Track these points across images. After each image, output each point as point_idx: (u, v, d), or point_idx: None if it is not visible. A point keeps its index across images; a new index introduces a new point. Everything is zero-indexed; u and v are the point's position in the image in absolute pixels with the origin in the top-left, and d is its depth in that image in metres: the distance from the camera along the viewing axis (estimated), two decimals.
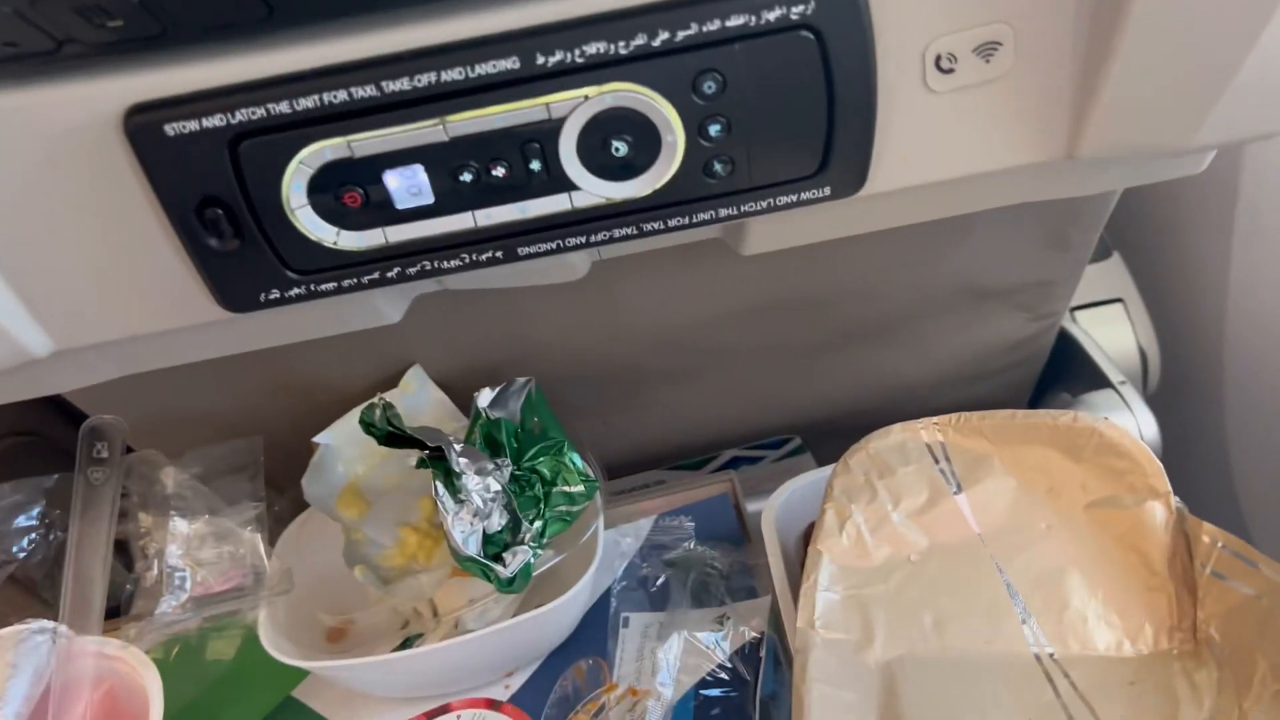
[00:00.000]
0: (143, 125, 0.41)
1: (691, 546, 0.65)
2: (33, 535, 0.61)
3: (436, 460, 0.54)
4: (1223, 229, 0.83)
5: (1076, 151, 0.47)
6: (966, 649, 0.50)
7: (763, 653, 0.57)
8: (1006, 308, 0.72)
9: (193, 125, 0.41)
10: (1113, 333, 0.88)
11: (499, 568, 0.54)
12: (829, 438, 0.82)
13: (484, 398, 0.60)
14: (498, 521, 0.55)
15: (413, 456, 0.63)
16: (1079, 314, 0.84)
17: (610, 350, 0.68)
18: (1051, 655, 0.50)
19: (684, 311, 0.66)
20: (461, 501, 0.54)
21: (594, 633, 0.63)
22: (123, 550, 0.62)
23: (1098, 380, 0.78)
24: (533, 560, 0.56)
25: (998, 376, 0.80)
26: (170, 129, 0.41)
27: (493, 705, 0.56)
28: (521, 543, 0.55)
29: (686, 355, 0.70)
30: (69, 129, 0.41)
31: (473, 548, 0.53)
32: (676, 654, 0.57)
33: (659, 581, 0.64)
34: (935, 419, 0.58)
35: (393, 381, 0.66)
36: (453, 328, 0.64)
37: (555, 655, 0.62)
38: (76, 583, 0.62)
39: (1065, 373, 0.83)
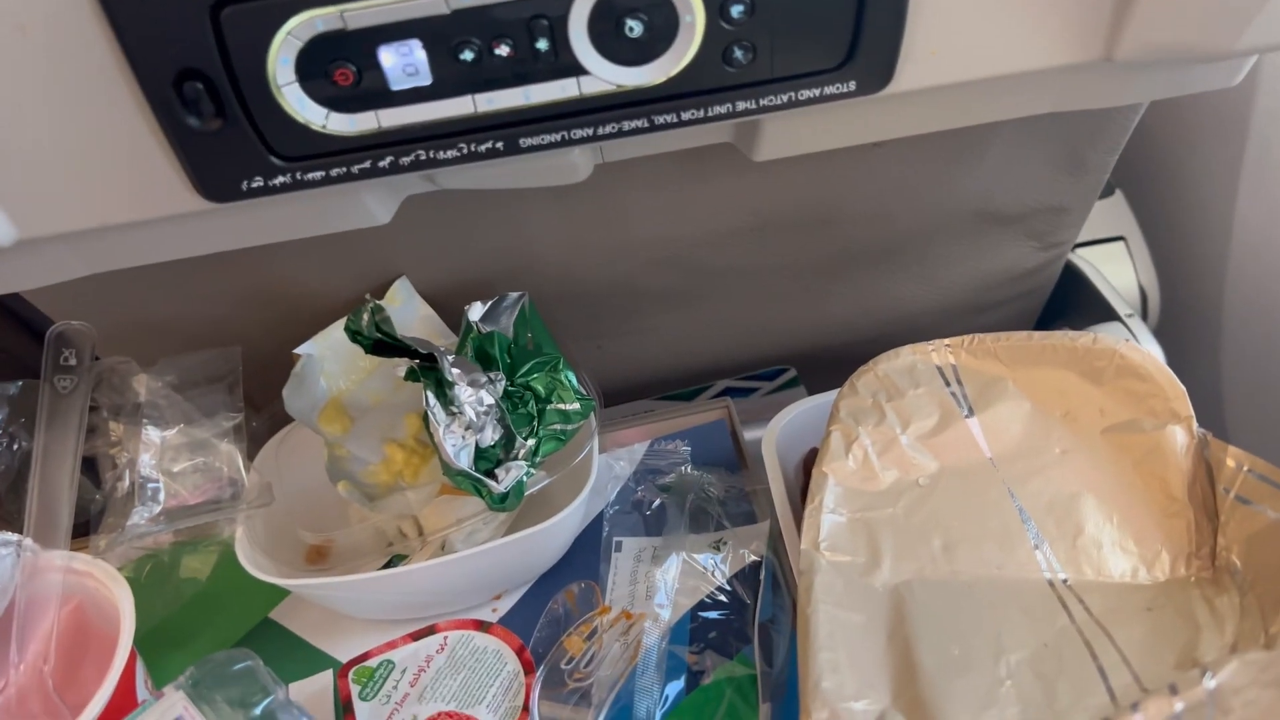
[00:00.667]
0: None
1: (687, 470, 0.63)
2: None
3: (427, 370, 0.52)
4: (1228, 166, 0.80)
5: (1114, 53, 0.45)
6: (977, 574, 0.49)
7: (762, 575, 0.55)
8: (1016, 235, 0.70)
9: None
10: (1114, 270, 0.86)
11: (492, 483, 0.51)
12: (824, 370, 0.79)
13: (475, 311, 0.57)
14: (490, 436, 0.52)
15: (400, 369, 0.61)
16: (1081, 251, 0.82)
17: (607, 268, 0.65)
18: (1065, 581, 0.48)
19: (685, 227, 0.63)
20: (454, 414, 0.51)
21: (585, 557, 0.61)
22: (91, 466, 0.59)
23: (1103, 313, 0.76)
24: (526, 479, 0.54)
25: (1001, 308, 0.78)
26: None
27: (481, 627, 0.54)
28: (515, 459, 0.52)
29: (685, 276, 0.67)
30: None
31: (465, 461, 0.51)
32: (675, 575, 0.55)
33: (653, 506, 0.62)
34: (947, 340, 0.55)
35: (378, 294, 0.63)
36: (443, 236, 0.60)
37: (545, 579, 0.60)
38: (42, 495, 0.59)
39: (1068, 307, 0.81)
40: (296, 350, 0.59)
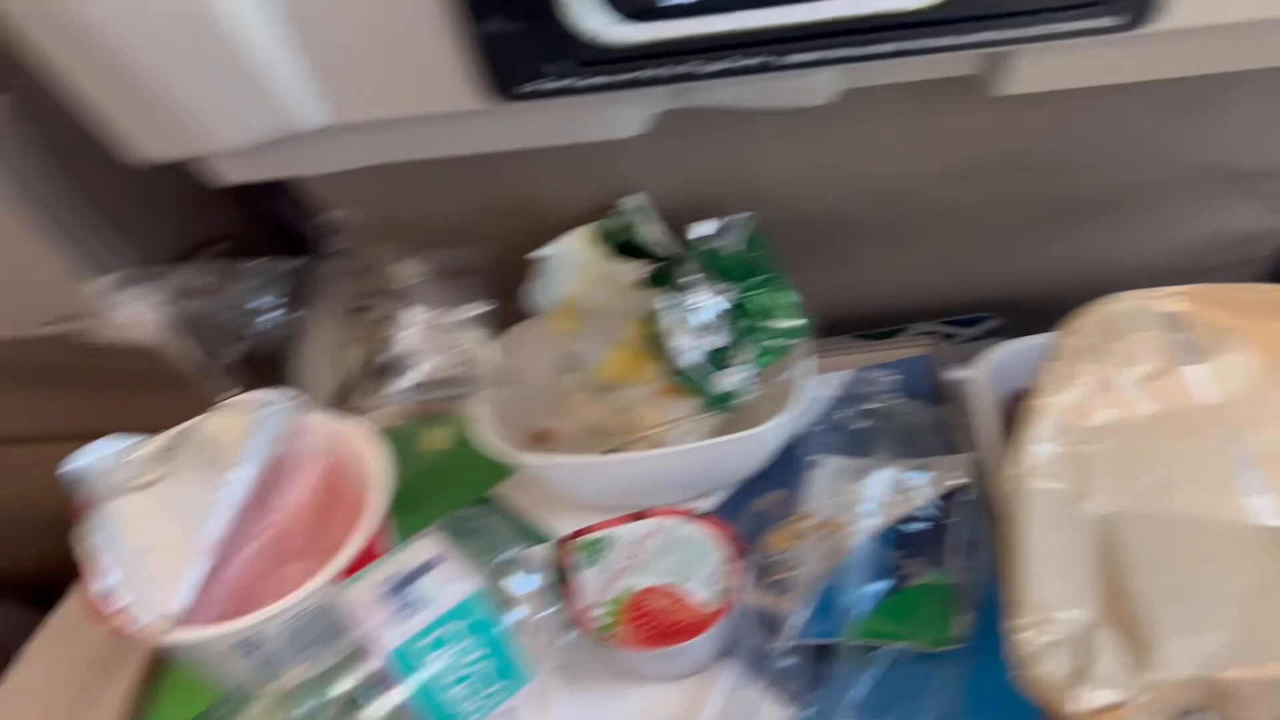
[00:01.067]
0: None
1: (891, 399, 0.65)
2: (269, 316, 0.65)
3: (664, 275, 0.55)
4: None
5: None
6: (1190, 513, 0.49)
7: (964, 499, 0.57)
8: (1250, 196, 0.68)
9: None
10: None
11: (715, 383, 0.55)
12: (1025, 319, 0.80)
13: (706, 227, 0.61)
14: (716, 341, 0.56)
15: (629, 277, 0.65)
16: None
17: (828, 200, 0.68)
18: None
19: (911, 163, 0.64)
20: (686, 317, 0.55)
21: (783, 472, 0.64)
22: (352, 341, 0.66)
23: None
24: (743, 384, 0.58)
25: (1218, 273, 0.76)
26: None
27: (691, 516, 0.58)
28: (736, 365, 0.56)
29: (903, 213, 0.69)
30: None
31: (692, 361, 0.54)
32: (884, 487, 0.57)
33: (856, 429, 0.65)
34: (1174, 288, 0.56)
35: (611, 207, 0.67)
36: (680, 157, 0.64)
37: (744, 488, 0.64)
38: (308, 363, 0.66)
39: None
40: (536, 253, 0.64)
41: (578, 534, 0.59)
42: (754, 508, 0.61)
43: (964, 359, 0.72)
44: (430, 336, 0.59)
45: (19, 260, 0.72)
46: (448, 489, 0.66)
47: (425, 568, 0.51)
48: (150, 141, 0.51)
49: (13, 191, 0.67)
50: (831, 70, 0.52)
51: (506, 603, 0.50)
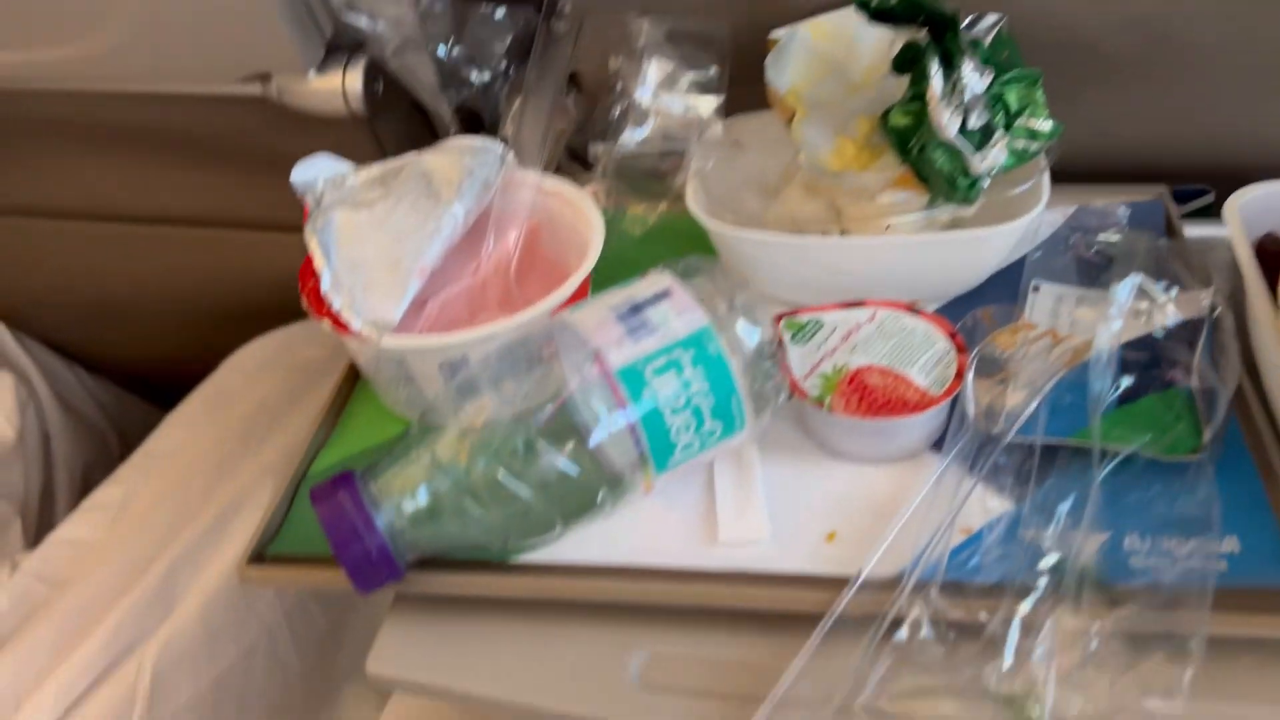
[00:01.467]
0: None
1: (1124, 232, 0.62)
2: (495, 67, 0.64)
3: (934, 41, 0.53)
4: None
5: None
6: None
7: (1210, 325, 0.54)
8: None
9: None
10: None
11: (973, 160, 0.52)
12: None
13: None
14: (975, 122, 0.53)
15: (855, 70, 0.62)
16: None
17: (1080, 15, 0.64)
18: None
19: None
20: (953, 85, 0.52)
21: (1005, 293, 0.61)
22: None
23: None
24: (989, 177, 0.55)
25: None
26: None
27: (911, 310, 0.56)
28: (994, 148, 0.53)
29: (1153, 45, 0.65)
30: None
31: (951, 134, 0.52)
32: (1122, 303, 0.54)
33: (1082, 259, 0.62)
34: None
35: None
36: None
37: (962, 301, 0.61)
38: (525, 121, 0.65)
39: None
40: (774, 33, 0.62)
41: (786, 313, 0.57)
42: (967, 320, 0.59)
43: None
44: (667, 91, 0.57)
45: (237, 4, 0.72)
46: (652, 260, 0.65)
47: (659, 297, 0.50)
48: None
49: None
50: None
51: (733, 344, 0.49)
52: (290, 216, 0.62)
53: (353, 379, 0.64)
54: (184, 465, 0.89)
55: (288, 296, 0.98)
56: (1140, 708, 0.38)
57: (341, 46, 0.77)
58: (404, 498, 0.48)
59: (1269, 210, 0.58)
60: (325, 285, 0.54)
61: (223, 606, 0.78)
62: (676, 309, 0.49)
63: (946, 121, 0.52)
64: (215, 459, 0.89)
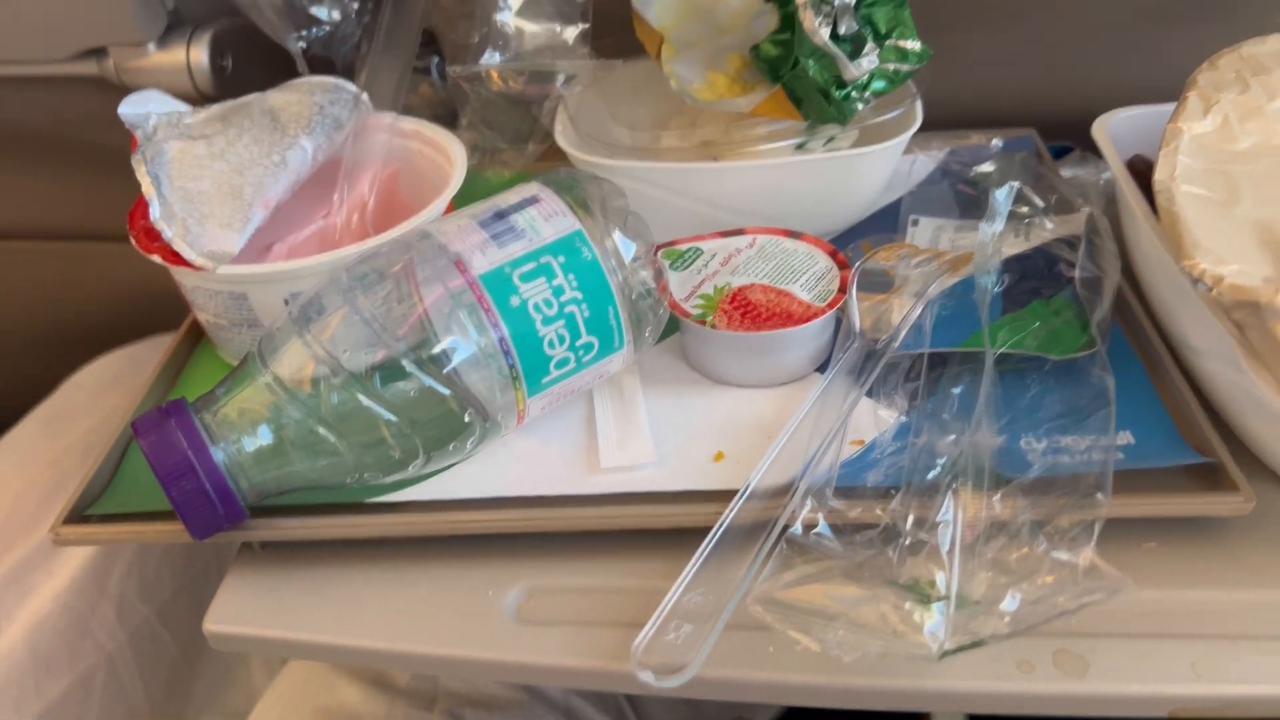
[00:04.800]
0: None
1: (1004, 156, 0.61)
2: (342, 8, 0.60)
3: None
4: None
5: None
6: None
7: (1089, 245, 0.53)
8: None
9: None
10: None
11: (848, 65, 0.51)
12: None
13: None
14: (845, 29, 0.52)
15: (722, 14, 0.61)
16: None
17: None
18: None
19: None
20: None
21: (884, 228, 0.60)
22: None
23: None
24: (858, 99, 0.54)
25: None
26: None
27: (791, 235, 0.54)
28: (865, 58, 0.52)
29: None
30: None
31: (824, 38, 0.51)
32: (1005, 198, 0.53)
33: (959, 193, 0.61)
34: None
35: None
36: None
37: (839, 240, 0.60)
38: (379, 65, 0.62)
39: None
40: None
41: (661, 246, 0.55)
42: (855, 247, 0.57)
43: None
44: (523, 19, 0.54)
45: None
46: None
47: (526, 203, 0.46)
48: None
49: None
50: None
51: (609, 254, 0.46)
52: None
53: (194, 339, 0.58)
54: (16, 488, 0.80)
55: (141, 313, 0.91)
56: (1049, 560, 0.35)
57: (185, 20, 0.72)
58: (245, 429, 0.43)
59: (1134, 132, 0.58)
60: (155, 214, 0.49)
61: (52, 632, 0.69)
62: (545, 214, 0.46)
63: (817, 26, 0.51)
64: (51, 479, 0.81)
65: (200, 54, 0.71)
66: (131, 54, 0.73)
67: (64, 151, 0.87)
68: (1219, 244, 0.43)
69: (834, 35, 0.52)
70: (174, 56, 0.72)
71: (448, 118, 0.66)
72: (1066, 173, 0.67)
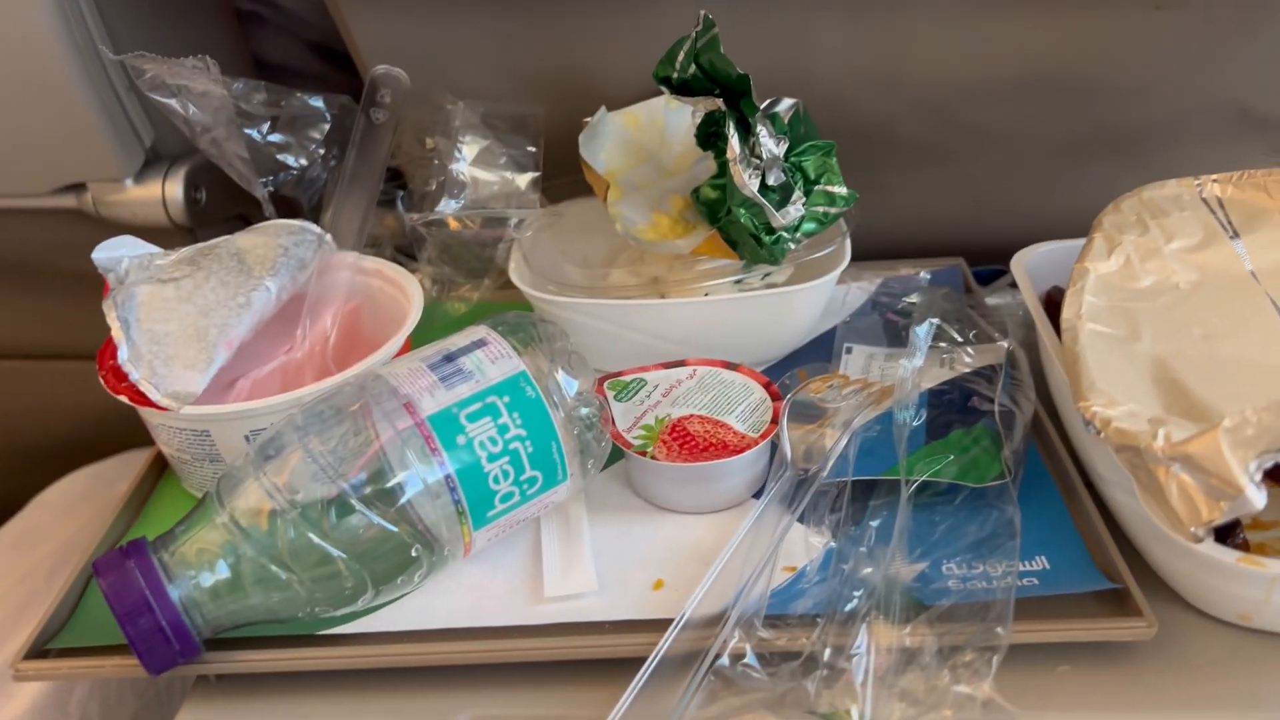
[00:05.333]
0: None
1: (929, 289, 0.65)
2: (312, 154, 0.64)
3: (731, 107, 0.56)
4: None
5: None
6: (1242, 355, 0.50)
7: (1004, 375, 0.57)
8: (1263, 146, 0.71)
9: None
10: None
11: (774, 214, 0.55)
12: None
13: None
14: (773, 180, 0.56)
15: (667, 158, 0.65)
16: None
17: (874, 105, 0.69)
18: None
19: (957, 68, 0.66)
20: (750, 147, 0.55)
21: (820, 356, 0.64)
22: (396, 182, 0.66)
23: None
24: (790, 240, 0.58)
25: None
26: None
27: (728, 366, 0.57)
28: (793, 206, 0.56)
29: (945, 129, 0.70)
30: None
31: (753, 190, 0.55)
32: (926, 334, 0.57)
33: (890, 322, 0.65)
34: (1214, 175, 0.58)
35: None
36: (732, 42, 0.65)
37: (777, 367, 0.63)
38: (343, 205, 0.65)
39: None
40: (588, 119, 0.64)
41: (607, 377, 0.58)
42: (790, 376, 0.61)
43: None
44: (484, 165, 0.58)
45: (48, 109, 0.70)
46: None
47: (474, 345, 0.49)
48: None
49: (55, 32, 0.65)
50: None
51: (552, 392, 0.49)
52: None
53: (158, 469, 0.61)
54: None
55: (108, 430, 0.92)
56: (952, 694, 0.37)
57: (161, 156, 0.76)
58: (202, 567, 0.45)
59: (1052, 266, 0.62)
60: (123, 357, 0.52)
61: None
62: (491, 357, 0.49)
63: (747, 179, 0.55)
64: (18, 598, 0.81)
65: (175, 188, 0.75)
66: (110, 189, 0.76)
67: (36, 275, 0.89)
68: (1115, 383, 0.47)
69: (763, 186, 0.56)
70: (150, 191, 0.76)
71: (410, 247, 0.69)
72: (995, 298, 0.71)
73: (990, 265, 0.82)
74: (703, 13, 0.56)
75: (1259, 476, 0.38)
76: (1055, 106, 0.69)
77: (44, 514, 0.92)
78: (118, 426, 0.87)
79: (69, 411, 0.99)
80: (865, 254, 0.80)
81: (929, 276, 0.69)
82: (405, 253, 0.73)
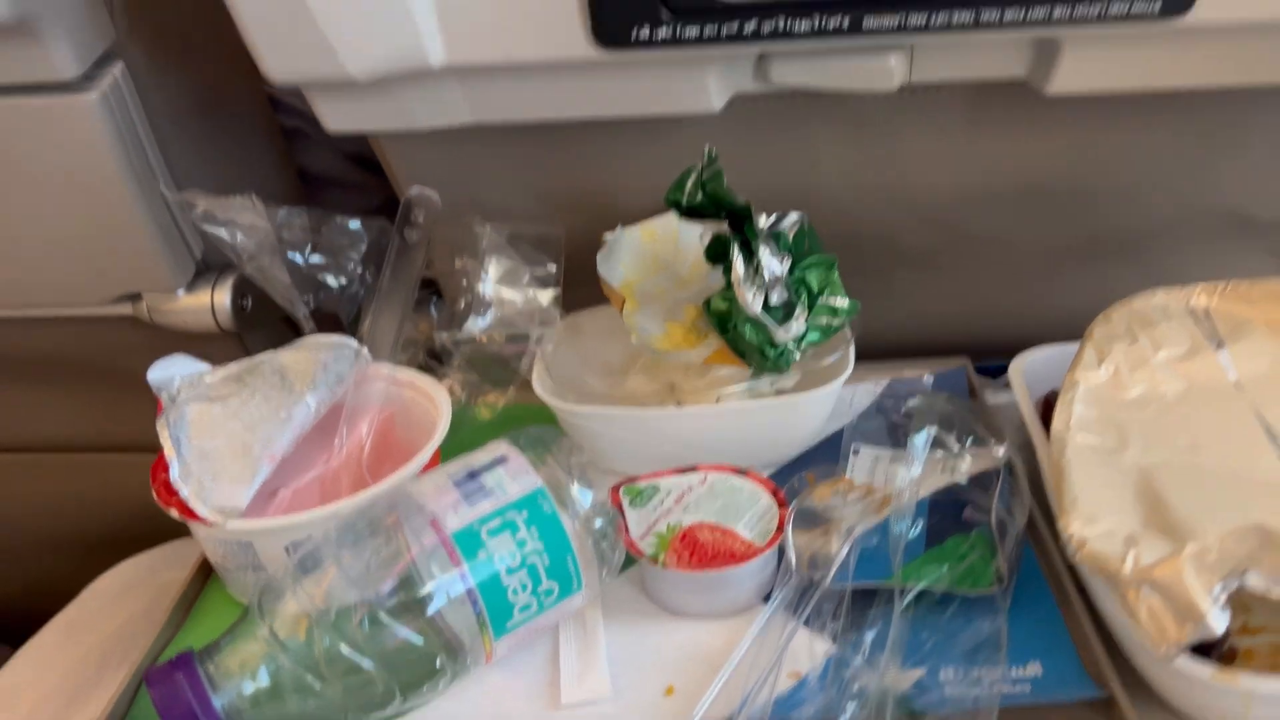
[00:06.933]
0: None
1: (931, 394, 0.68)
2: (351, 272, 0.69)
3: (736, 230, 0.60)
4: None
5: None
6: (1223, 467, 0.52)
7: (1003, 479, 0.59)
8: (1258, 249, 0.74)
9: None
10: None
11: (777, 331, 0.59)
12: None
13: (763, 220, 0.65)
14: (776, 299, 0.60)
15: (688, 263, 0.69)
16: None
17: (877, 215, 0.73)
18: None
19: (958, 182, 0.70)
20: (753, 269, 0.59)
21: (827, 458, 0.67)
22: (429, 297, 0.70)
23: None
24: (797, 347, 0.61)
25: None
26: None
27: (738, 472, 0.61)
28: (795, 322, 0.60)
29: (946, 237, 0.74)
30: None
31: (756, 309, 0.58)
32: (923, 445, 0.60)
33: (895, 423, 0.67)
34: (1201, 285, 0.60)
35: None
36: (741, 154, 0.69)
37: (788, 468, 0.66)
38: (379, 319, 0.70)
39: None
40: (607, 235, 0.69)
41: (623, 482, 0.61)
42: (793, 481, 0.63)
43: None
44: (508, 285, 0.63)
45: (109, 228, 0.76)
46: None
47: (496, 462, 0.53)
48: (285, 58, 0.56)
49: (116, 157, 0.71)
50: (899, 54, 0.58)
51: (568, 505, 0.52)
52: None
53: (205, 573, 0.65)
54: (34, 697, 0.85)
55: (158, 520, 0.97)
56: None
57: (210, 267, 0.82)
58: (244, 677, 0.48)
59: (1051, 369, 0.65)
60: (174, 474, 0.56)
61: None
62: (511, 473, 0.52)
63: (751, 299, 0.58)
64: (67, 691, 0.85)
65: (223, 297, 0.80)
66: (163, 298, 0.81)
67: (92, 374, 0.95)
68: (1099, 497, 0.49)
69: (766, 304, 0.59)
70: (200, 300, 0.81)
71: (442, 352, 0.74)
72: (1000, 397, 0.74)
73: (998, 359, 0.84)
74: (708, 146, 0.60)
75: (1223, 600, 0.40)
76: (1053, 214, 0.72)
77: (95, 603, 0.96)
78: (166, 517, 0.91)
79: (122, 502, 1.04)
80: (875, 350, 0.83)
81: (932, 380, 0.72)
82: (437, 356, 0.77)
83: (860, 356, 0.67)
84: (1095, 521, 0.47)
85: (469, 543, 0.50)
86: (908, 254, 0.75)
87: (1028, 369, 0.65)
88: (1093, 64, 0.57)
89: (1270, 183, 0.69)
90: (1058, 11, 0.52)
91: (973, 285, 0.78)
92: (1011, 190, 0.70)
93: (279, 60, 0.57)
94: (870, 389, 0.72)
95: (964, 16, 0.53)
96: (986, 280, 0.78)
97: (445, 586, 0.49)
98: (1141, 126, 0.66)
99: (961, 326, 0.81)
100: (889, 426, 0.68)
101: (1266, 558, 0.41)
